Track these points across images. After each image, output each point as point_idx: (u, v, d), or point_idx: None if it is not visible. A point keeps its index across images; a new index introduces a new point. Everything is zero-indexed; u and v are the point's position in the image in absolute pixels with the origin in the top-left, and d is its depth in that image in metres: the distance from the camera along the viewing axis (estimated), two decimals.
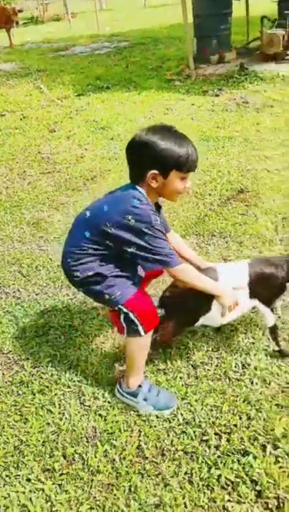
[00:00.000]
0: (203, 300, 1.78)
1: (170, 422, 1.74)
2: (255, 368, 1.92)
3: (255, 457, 1.58)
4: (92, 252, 1.64)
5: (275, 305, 2.00)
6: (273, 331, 1.95)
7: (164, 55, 9.40)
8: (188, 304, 1.82)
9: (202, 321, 1.87)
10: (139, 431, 1.72)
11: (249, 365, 1.95)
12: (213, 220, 3.15)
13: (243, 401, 1.79)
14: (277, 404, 1.76)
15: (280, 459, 1.57)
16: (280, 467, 1.54)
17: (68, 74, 8.40)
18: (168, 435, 1.70)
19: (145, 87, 7.14)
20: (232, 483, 1.52)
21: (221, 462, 1.58)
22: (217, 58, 7.96)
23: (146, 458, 1.62)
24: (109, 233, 1.58)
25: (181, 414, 1.76)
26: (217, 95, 6.25)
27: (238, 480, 1.52)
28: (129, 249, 1.58)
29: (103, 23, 14.48)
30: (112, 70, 8.54)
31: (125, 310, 1.65)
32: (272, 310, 1.94)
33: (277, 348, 1.97)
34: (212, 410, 1.77)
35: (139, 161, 1.58)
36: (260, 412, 1.74)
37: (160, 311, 1.83)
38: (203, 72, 7.48)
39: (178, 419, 1.74)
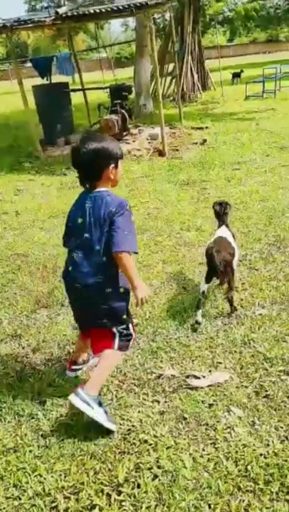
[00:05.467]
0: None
1: (20, 499, 1.76)
2: (101, 424, 2.08)
3: (101, 509, 1.70)
4: (105, 263, 1.96)
5: None
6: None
7: (15, 139, 9.88)
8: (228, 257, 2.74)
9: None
10: None
11: (95, 422, 2.09)
12: (62, 291, 3.36)
13: (90, 457, 1.92)
14: (120, 452, 1.93)
15: (123, 503, 1.71)
16: (124, 510, 1.68)
17: None
18: None
19: None
20: None
21: None
22: (63, 141, 8.69)
23: None
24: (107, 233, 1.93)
25: (31, 487, 1.80)
26: (65, 174, 6.78)
27: None
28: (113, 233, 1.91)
29: None
30: None
31: (130, 326, 2.11)
32: None
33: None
34: (61, 475, 1.85)
35: (96, 164, 1.94)
36: (105, 463, 1.88)
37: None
38: (50, 153, 8.07)
39: (28, 494, 1.78)
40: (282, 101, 11.85)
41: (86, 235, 1.97)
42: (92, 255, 1.97)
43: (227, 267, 2.71)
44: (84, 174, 1.99)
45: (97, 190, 1.98)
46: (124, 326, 2.09)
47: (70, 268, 2.05)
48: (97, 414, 1.96)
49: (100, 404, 2.02)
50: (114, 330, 2.09)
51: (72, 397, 1.97)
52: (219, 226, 3.08)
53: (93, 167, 1.95)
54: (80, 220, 2.00)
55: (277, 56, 32.32)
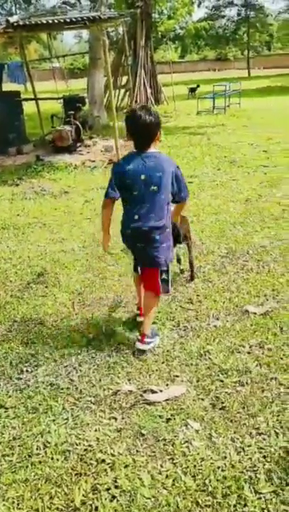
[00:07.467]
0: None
1: None
2: (56, 445, 2.01)
3: None
4: (166, 209, 2.48)
5: None
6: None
7: None
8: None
9: None
10: None
11: (50, 443, 2.02)
12: (14, 306, 3.24)
13: (45, 481, 1.84)
14: (77, 474, 1.87)
15: None
16: None
17: None
18: None
19: None
20: None
21: None
22: (15, 150, 8.49)
23: None
24: (171, 181, 2.43)
25: None
26: (17, 185, 6.61)
27: None
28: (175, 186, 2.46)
29: None
30: None
31: (170, 272, 2.67)
32: None
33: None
34: (14, 502, 1.76)
35: (154, 129, 2.39)
36: (61, 487, 1.81)
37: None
38: (2, 163, 7.85)
39: None
40: (232, 117, 12.35)
41: (153, 187, 2.39)
42: (158, 203, 2.42)
43: (187, 233, 3.27)
44: (143, 136, 2.40)
45: (151, 150, 2.43)
46: (166, 269, 2.59)
47: (135, 217, 2.43)
48: (156, 341, 2.65)
49: (155, 333, 2.69)
50: (163, 271, 2.59)
51: (141, 346, 2.57)
52: None
53: (153, 130, 2.39)
54: (143, 177, 2.38)
55: (226, 73, 33.80)
